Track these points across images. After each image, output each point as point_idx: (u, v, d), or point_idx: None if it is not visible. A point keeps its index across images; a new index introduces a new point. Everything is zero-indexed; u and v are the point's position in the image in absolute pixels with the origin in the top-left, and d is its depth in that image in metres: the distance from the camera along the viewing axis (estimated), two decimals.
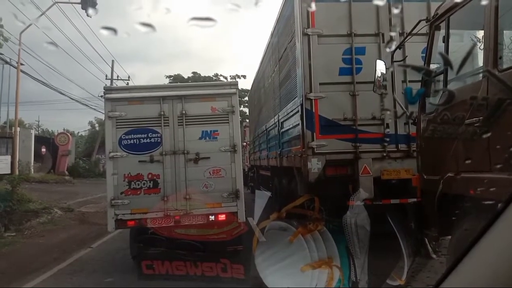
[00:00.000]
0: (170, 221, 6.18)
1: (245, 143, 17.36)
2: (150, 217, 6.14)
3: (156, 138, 6.30)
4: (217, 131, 6.39)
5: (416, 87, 4.52)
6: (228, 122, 6.41)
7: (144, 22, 1.69)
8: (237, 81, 8.45)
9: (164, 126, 6.33)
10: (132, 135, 6.27)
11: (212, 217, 6.25)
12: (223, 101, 6.43)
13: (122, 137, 6.24)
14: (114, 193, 6.16)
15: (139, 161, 6.23)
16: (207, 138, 6.39)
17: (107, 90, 6.77)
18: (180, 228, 6.26)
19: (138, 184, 6.20)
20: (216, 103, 6.41)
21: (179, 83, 27.00)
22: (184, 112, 6.37)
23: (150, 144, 6.29)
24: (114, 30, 1.86)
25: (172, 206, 6.21)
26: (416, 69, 4.52)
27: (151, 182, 6.22)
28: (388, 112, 6.07)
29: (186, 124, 6.37)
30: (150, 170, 6.23)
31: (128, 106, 6.32)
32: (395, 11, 6.12)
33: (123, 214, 6.14)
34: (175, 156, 6.33)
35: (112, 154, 6.21)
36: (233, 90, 6.55)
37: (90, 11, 18.56)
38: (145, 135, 6.30)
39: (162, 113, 6.34)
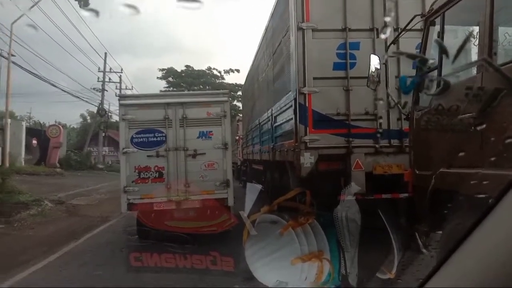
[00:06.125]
0: (172, 204, 7.40)
1: (237, 137, 17.28)
2: (155, 201, 7.36)
3: (161, 137, 7.54)
4: (211, 131, 7.61)
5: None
6: (221, 125, 7.66)
7: (128, 3, 1.67)
8: (229, 91, 10.69)
9: (168, 127, 7.56)
10: (142, 135, 7.52)
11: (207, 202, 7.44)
12: (217, 107, 7.69)
13: (134, 136, 7.49)
14: (126, 181, 7.39)
15: (147, 156, 7.48)
16: (204, 137, 7.61)
17: (121, 97, 8.49)
18: (174, 220, 7.35)
19: (146, 175, 7.44)
20: (211, 109, 7.66)
21: (180, 92, 27.66)
22: (184, 116, 7.59)
23: (156, 142, 7.53)
24: (96, 12, 1.87)
25: (174, 193, 7.44)
26: (411, 57, 4.49)
27: (157, 173, 7.47)
28: (382, 102, 6.06)
29: (186, 126, 7.59)
30: (156, 163, 7.47)
31: (138, 110, 7.58)
32: (390, 6, 6.09)
33: (133, 198, 7.36)
34: (177, 152, 7.54)
35: (125, 150, 7.48)
36: (225, 98, 8.02)
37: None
38: (152, 134, 7.54)
39: (167, 116, 7.58)
